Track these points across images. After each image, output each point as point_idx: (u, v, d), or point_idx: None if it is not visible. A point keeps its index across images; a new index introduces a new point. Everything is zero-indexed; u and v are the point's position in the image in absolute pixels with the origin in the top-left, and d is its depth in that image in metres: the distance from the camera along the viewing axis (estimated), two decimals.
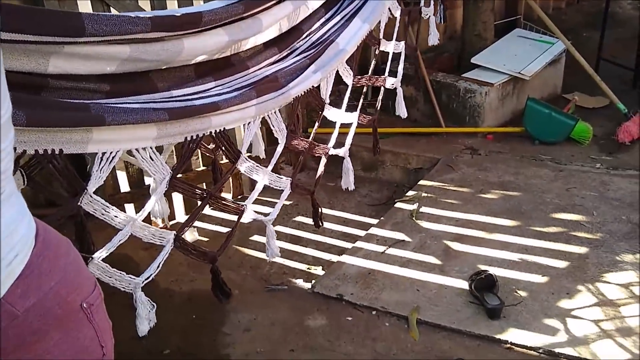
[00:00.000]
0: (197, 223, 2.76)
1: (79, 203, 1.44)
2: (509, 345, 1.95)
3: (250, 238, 2.74)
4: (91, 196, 1.45)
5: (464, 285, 2.22)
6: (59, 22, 1.34)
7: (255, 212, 2.05)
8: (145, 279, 1.59)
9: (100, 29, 1.40)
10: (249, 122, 1.92)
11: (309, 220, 2.70)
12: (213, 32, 1.78)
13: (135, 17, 1.48)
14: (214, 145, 2.10)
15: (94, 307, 0.88)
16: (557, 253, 2.40)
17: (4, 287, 0.73)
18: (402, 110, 2.67)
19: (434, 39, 2.89)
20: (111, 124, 1.43)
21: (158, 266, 1.62)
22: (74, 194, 1.46)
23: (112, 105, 1.49)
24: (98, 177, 1.46)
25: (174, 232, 1.72)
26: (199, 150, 2.40)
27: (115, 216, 1.51)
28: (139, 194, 2.63)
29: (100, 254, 1.48)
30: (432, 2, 2.82)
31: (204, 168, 2.92)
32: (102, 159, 1.48)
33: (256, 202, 2.06)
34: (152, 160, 1.61)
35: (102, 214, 1.48)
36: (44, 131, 1.34)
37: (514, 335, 1.97)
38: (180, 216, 2.92)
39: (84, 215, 1.51)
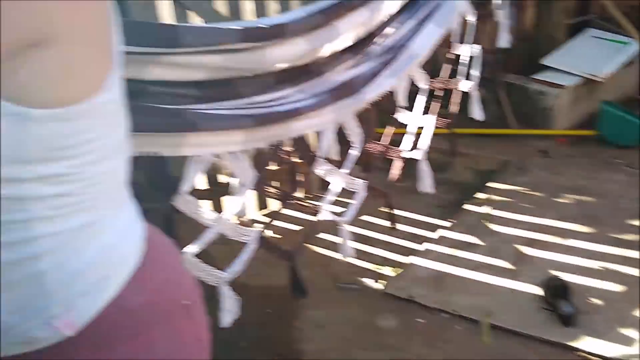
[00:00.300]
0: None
1: (174, 202, 1.55)
2: (582, 354, 1.94)
3: (318, 236, 2.82)
4: (185, 196, 1.55)
5: (537, 290, 2.22)
6: (158, 34, 1.45)
7: (331, 212, 2.12)
8: (231, 274, 1.68)
9: (195, 41, 1.51)
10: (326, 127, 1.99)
11: (376, 220, 2.75)
12: (294, 41, 1.86)
13: (226, 29, 1.58)
14: (291, 148, 2.18)
15: (194, 303, 0.96)
16: (633, 261, 2.35)
17: (121, 285, 0.82)
18: (477, 113, 2.66)
19: (505, 41, 2.87)
20: (203, 129, 1.53)
21: (243, 263, 1.71)
22: (167, 194, 1.57)
23: (203, 111, 1.60)
24: (191, 178, 1.57)
25: (259, 229, 1.81)
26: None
27: (206, 215, 1.61)
28: (216, 191, 2.75)
29: (192, 249, 1.59)
30: (503, 4, 2.80)
31: (277, 168, 3.02)
32: (193, 161, 1.58)
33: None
34: (239, 163, 1.70)
35: (194, 213, 1.58)
36: (144, 135, 1.45)
37: (588, 343, 1.96)
38: (251, 212, 3.03)
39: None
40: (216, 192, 2.74)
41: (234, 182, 1.77)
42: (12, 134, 0.67)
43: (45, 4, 0.64)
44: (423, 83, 2.36)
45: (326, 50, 2.06)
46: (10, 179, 0.70)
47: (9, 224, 0.72)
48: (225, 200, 2.60)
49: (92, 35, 0.73)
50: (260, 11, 2.68)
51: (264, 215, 2.97)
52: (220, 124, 1.57)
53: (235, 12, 2.62)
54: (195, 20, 2.43)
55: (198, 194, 2.72)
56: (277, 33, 1.75)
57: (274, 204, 2.92)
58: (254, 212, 3.02)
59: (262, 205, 3.02)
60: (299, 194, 3.18)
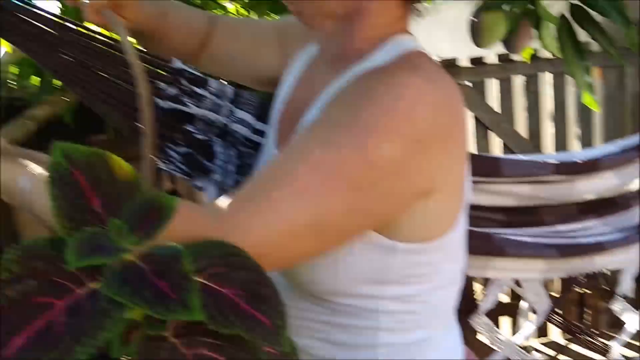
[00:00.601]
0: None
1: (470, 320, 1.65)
2: None
3: None
4: (482, 317, 1.64)
5: None
6: (483, 166, 1.61)
7: (622, 355, 1.97)
8: None
9: (512, 172, 1.63)
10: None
11: None
12: (604, 175, 1.85)
13: (542, 163, 1.67)
14: (582, 277, 2.12)
15: None
16: None
17: None
18: None
19: None
20: (509, 255, 1.62)
21: None
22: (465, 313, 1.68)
23: (508, 236, 1.69)
24: (490, 300, 1.65)
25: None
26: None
27: (499, 338, 1.66)
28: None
29: None
30: None
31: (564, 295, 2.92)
32: (493, 285, 1.66)
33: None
34: (536, 290, 1.73)
35: (489, 333, 1.65)
36: None
37: None
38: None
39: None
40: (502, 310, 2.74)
41: (523, 305, 1.80)
42: (379, 261, 0.83)
43: (432, 166, 0.78)
44: None
45: (636, 184, 2.00)
46: (371, 295, 0.86)
47: (360, 329, 0.88)
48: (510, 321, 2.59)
49: (457, 185, 0.87)
50: (560, 140, 2.71)
51: (543, 344, 2.87)
52: (525, 251, 1.64)
53: (535, 135, 2.70)
54: (495, 141, 2.58)
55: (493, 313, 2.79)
56: (589, 167, 1.77)
57: (555, 333, 2.80)
58: (532, 338, 2.94)
59: (542, 332, 2.92)
60: (586, 327, 3.00)
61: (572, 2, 1.58)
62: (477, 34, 1.93)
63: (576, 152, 2.36)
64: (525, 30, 1.88)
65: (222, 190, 1.03)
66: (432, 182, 0.79)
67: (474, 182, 1.63)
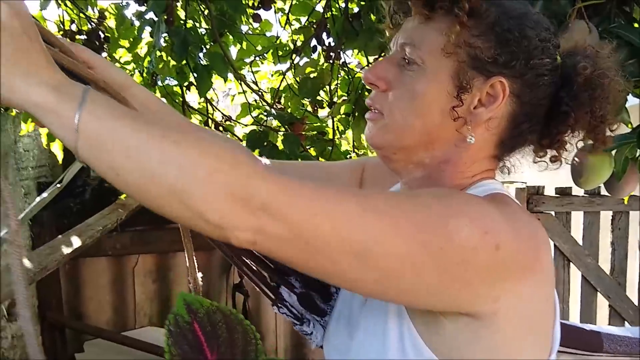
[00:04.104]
0: None
1: None
2: None
3: None
4: None
5: None
6: (582, 338, 1.54)
7: None
8: None
9: (615, 348, 1.55)
10: None
11: None
12: None
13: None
14: None
15: None
16: None
17: None
18: None
19: None
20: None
21: None
22: None
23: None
24: None
25: None
26: None
27: None
28: None
29: None
30: None
31: None
32: None
33: None
34: None
35: None
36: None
37: None
38: None
39: None
40: None
41: None
42: None
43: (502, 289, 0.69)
44: None
45: None
46: None
47: None
48: None
49: (531, 319, 0.74)
50: None
51: None
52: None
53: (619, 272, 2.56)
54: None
55: None
56: None
57: None
58: None
59: None
60: None
61: None
62: (580, 174, 1.87)
63: None
64: (632, 175, 1.82)
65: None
66: (473, 306, 0.69)
67: (574, 354, 1.57)
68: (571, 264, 3.08)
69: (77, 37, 2.80)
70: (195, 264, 0.83)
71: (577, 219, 3.10)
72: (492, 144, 0.82)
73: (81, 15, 2.76)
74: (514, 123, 0.81)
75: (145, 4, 2.21)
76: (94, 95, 0.60)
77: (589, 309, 3.12)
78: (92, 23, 2.80)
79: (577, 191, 2.99)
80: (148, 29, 2.09)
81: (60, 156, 2.86)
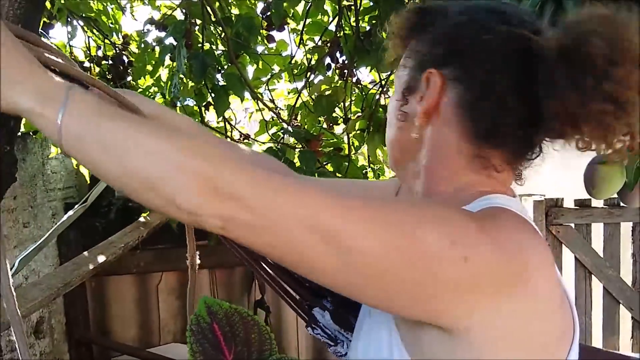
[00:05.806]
0: None
1: None
2: None
3: None
4: None
5: None
6: None
7: None
8: None
9: None
10: None
11: None
12: None
13: None
14: None
15: None
16: None
17: None
18: None
19: None
20: None
21: None
22: None
23: None
24: None
25: None
26: None
27: None
28: None
29: None
30: None
31: None
32: None
33: None
34: None
35: None
36: None
37: None
38: None
39: None
40: None
41: None
42: None
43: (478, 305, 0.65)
44: None
45: None
46: None
47: None
48: None
49: (517, 337, 0.68)
50: None
51: None
52: None
53: None
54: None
55: None
56: None
57: None
58: None
59: None
60: None
61: None
62: (593, 185, 1.89)
63: None
64: None
65: None
66: (460, 321, 0.66)
67: None
68: (592, 276, 3.06)
69: (103, 62, 2.91)
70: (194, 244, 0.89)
71: (597, 230, 3.08)
72: (458, 137, 0.78)
73: (106, 41, 2.88)
74: (468, 107, 0.77)
75: (165, 30, 2.31)
76: (75, 94, 0.63)
77: (612, 322, 3.08)
78: (117, 48, 2.92)
79: (597, 202, 2.98)
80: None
81: (87, 177, 2.96)
